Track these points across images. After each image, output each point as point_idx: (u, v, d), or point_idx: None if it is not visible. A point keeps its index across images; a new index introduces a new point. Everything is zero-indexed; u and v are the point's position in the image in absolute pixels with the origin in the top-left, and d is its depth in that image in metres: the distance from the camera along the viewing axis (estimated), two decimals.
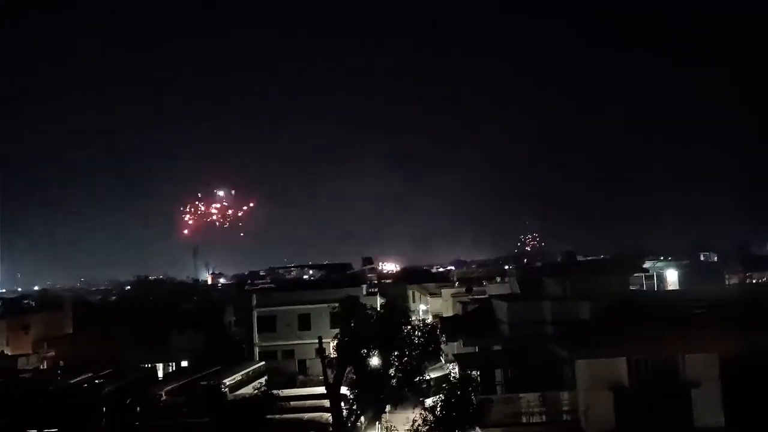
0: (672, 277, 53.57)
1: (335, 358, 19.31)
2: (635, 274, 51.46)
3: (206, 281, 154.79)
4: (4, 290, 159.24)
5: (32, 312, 69.98)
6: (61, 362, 50.93)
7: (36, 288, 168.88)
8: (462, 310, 50.67)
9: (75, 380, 37.38)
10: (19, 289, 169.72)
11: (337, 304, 20.42)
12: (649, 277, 53.05)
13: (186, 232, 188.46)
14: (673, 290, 49.14)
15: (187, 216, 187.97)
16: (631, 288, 44.41)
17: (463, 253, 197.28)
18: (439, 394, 19.12)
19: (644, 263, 62.26)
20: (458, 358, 30.73)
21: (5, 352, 54.73)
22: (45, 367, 51.29)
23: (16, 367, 49.67)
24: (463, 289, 65.32)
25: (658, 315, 26.24)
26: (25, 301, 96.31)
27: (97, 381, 37.05)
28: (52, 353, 54.06)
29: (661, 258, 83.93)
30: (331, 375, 19.34)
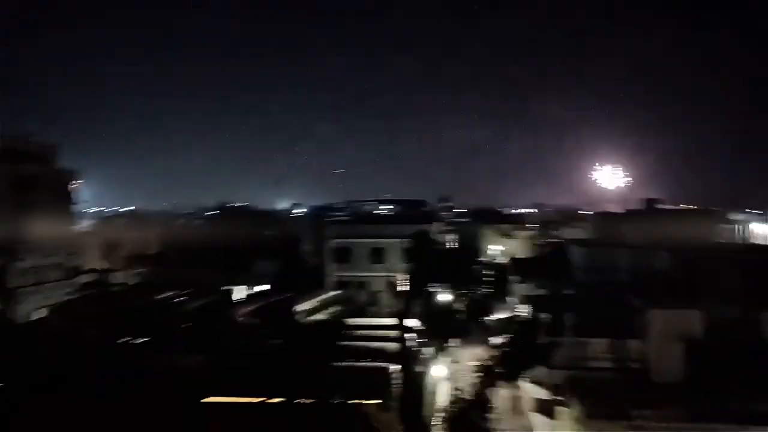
0: (762, 230, 51.08)
1: (405, 290, 19.68)
2: (721, 226, 49.28)
3: (285, 210, 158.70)
4: (98, 208, 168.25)
5: (125, 230, 73.89)
6: (149, 279, 53.89)
7: (127, 208, 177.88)
8: (536, 253, 50.23)
9: (161, 296, 39.58)
10: (111, 208, 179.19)
11: (410, 239, 20.62)
12: (737, 230, 50.79)
13: None
14: (761, 244, 46.94)
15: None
16: (716, 240, 42.69)
17: (544, 198, 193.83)
18: (505, 333, 19.24)
19: (732, 215, 59.45)
20: (529, 300, 30.70)
21: (99, 266, 58.31)
22: (135, 282, 54.43)
23: (108, 281, 53.08)
24: (539, 233, 64.50)
25: (741, 269, 25.24)
26: (118, 220, 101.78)
27: (181, 299, 39.10)
28: (142, 270, 57.25)
29: (752, 211, 79.84)
30: (400, 306, 19.77)
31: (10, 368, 23.22)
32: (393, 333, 22.03)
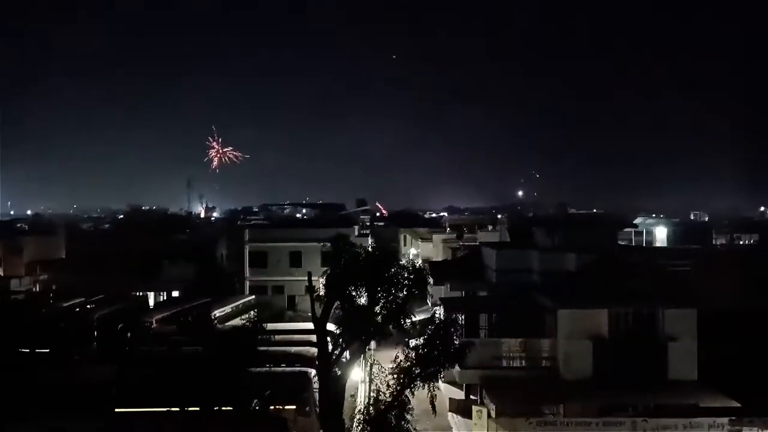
0: (661, 234, 54.22)
1: (323, 294, 19.67)
2: (625, 230, 52.04)
3: (199, 214, 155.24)
4: None
5: (25, 235, 70.26)
6: (53, 286, 51.47)
7: (29, 212, 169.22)
8: (451, 256, 51.21)
9: (67, 304, 37.89)
10: (12, 213, 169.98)
11: (328, 243, 20.66)
12: (639, 234, 53.79)
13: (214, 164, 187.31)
14: (660, 247, 49.78)
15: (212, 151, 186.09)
16: (620, 243, 44.92)
17: (458, 201, 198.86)
18: (423, 335, 19.56)
19: (635, 219, 62.91)
20: (444, 302, 31.31)
21: None
22: (37, 289, 51.86)
23: (9, 288, 50.24)
24: (454, 235, 65.80)
25: (642, 270, 26.71)
26: (18, 225, 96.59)
27: (88, 306, 37.57)
28: (45, 277, 54.60)
29: (653, 215, 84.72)
30: (318, 310, 19.75)
31: None
32: (311, 337, 21.94)
